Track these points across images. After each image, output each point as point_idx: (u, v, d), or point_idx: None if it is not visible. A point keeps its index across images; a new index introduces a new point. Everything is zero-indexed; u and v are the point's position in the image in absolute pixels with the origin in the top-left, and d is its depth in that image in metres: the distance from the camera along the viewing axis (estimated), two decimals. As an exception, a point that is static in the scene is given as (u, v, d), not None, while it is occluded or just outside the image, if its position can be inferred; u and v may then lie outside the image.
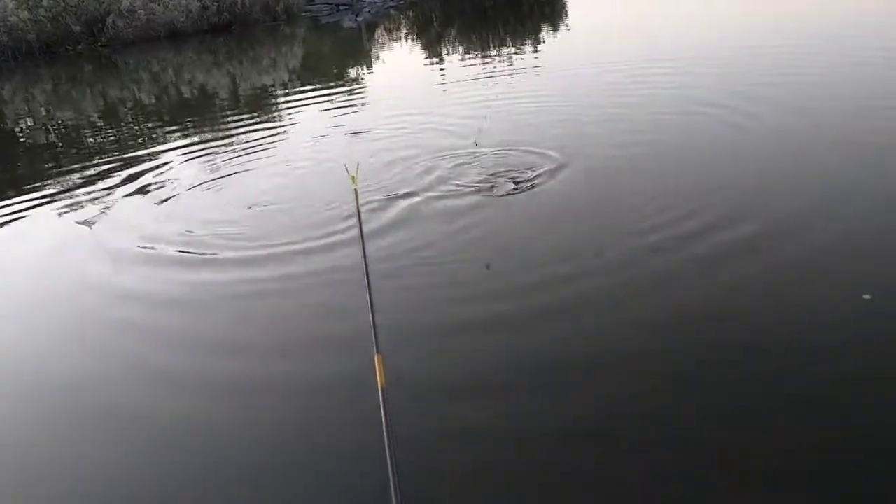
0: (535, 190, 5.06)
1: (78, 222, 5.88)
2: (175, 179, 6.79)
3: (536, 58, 12.31)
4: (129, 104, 13.08)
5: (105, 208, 6.16)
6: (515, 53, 12.83)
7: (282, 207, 5.50)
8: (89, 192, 6.76)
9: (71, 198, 6.69)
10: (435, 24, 21.72)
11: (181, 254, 4.78)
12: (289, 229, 4.94)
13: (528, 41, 14.99)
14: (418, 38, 19.15)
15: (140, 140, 9.43)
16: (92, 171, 7.62)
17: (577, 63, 10.65)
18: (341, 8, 26.64)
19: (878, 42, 8.94)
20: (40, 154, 9.70)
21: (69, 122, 11.83)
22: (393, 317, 3.48)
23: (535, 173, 5.32)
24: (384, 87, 11.68)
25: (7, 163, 9.63)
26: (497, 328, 3.38)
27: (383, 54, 16.28)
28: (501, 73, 10.54)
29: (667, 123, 6.37)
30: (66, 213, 6.24)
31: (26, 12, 20.91)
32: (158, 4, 22.31)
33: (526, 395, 2.87)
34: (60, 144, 10.13)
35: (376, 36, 20.24)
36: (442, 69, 12.38)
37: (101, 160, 8.16)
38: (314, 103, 10.35)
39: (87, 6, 21.85)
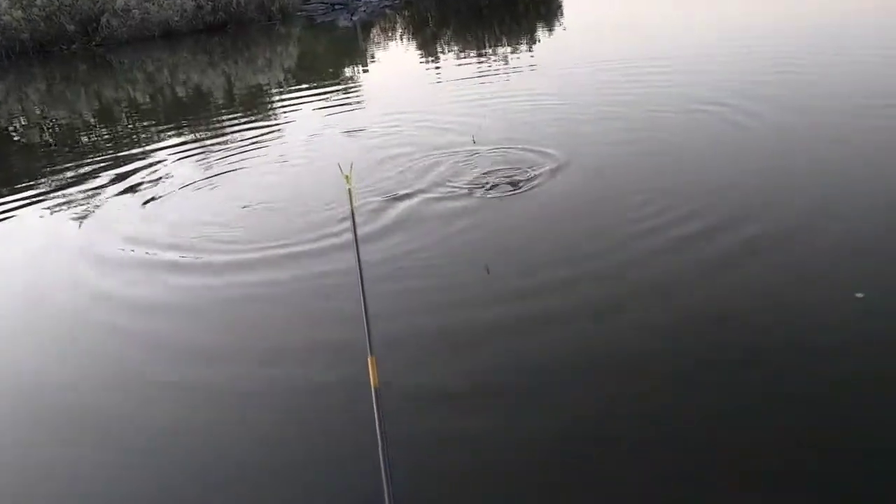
0: (532, 190, 5.04)
1: (68, 222, 5.85)
2: (168, 179, 6.75)
3: (532, 56, 12.30)
4: (124, 104, 13.03)
5: (95, 208, 6.13)
6: (511, 52, 12.82)
7: (275, 208, 5.47)
8: (80, 192, 6.72)
9: (61, 197, 6.64)
10: (430, 23, 21.70)
11: (174, 255, 4.75)
12: (282, 230, 4.91)
13: (524, 40, 14.99)
14: (414, 37, 19.12)
15: (134, 140, 9.38)
16: (84, 171, 7.58)
17: (573, 62, 10.63)
18: (337, 7, 26.59)
19: (877, 41, 8.94)
20: (33, 153, 9.65)
21: (63, 122, 11.78)
22: (388, 318, 3.45)
23: (533, 173, 5.30)
24: (380, 87, 11.66)
25: (0, 162, 9.58)
26: (495, 329, 3.36)
27: (379, 54, 16.26)
28: (497, 72, 10.53)
29: (664, 122, 6.35)
30: (55, 213, 6.21)
31: (20, 11, 20.82)
32: (153, 4, 22.23)
33: (524, 395, 2.85)
34: (54, 144, 10.08)
35: (372, 35, 20.22)
36: (437, 68, 12.37)
37: (94, 160, 8.12)
38: (309, 103, 10.32)
39: (82, 5, 21.76)
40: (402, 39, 19.13)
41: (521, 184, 5.14)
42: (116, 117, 11.78)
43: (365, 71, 13.76)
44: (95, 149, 9.03)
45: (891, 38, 9.29)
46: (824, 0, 13.64)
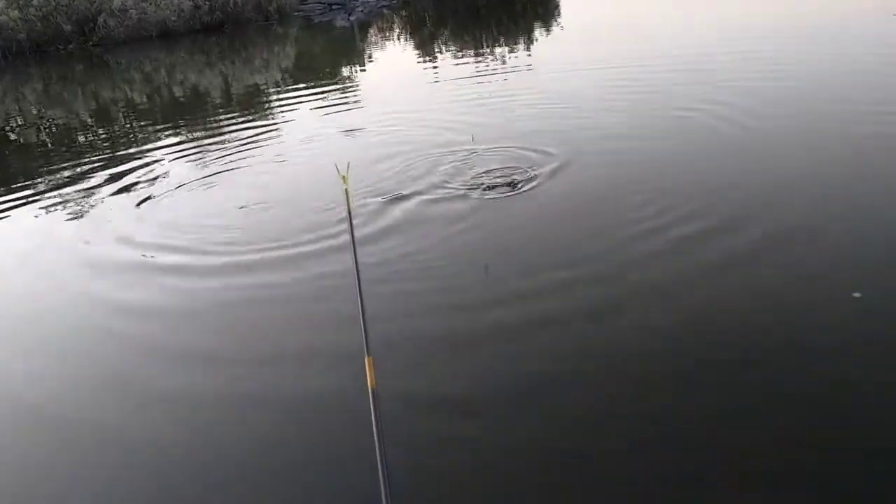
0: (531, 190, 5.03)
1: (63, 222, 5.83)
2: (165, 179, 6.74)
3: (530, 56, 12.31)
4: (121, 104, 13.00)
5: (90, 208, 6.11)
6: (509, 52, 12.82)
7: (272, 208, 5.46)
8: (76, 192, 6.71)
9: (57, 197, 6.62)
10: (428, 23, 21.70)
11: (171, 255, 4.74)
12: (279, 230, 4.90)
13: (522, 40, 14.99)
14: (411, 37, 19.11)
15: (131, 140, 9.35)
16: (80, 171, 7.56)
17: (571, 62, 10.63)
18: (334, 7, 26.57)
19: (877, 42, 8.94)
20: (30, 153, 9.62)
21: (60, 122, 11.75)
22: (386, 319, 3.45)
23: (532, 173, 5.29)
24: (377, 87, 11.65)
25: (-4, 162, 9.56)
26: (494, 329, 3.35)
27: (376, 54, 16.24)
28: (495, 72, 10.52)
29: (663, 122, 6.36)
30: (50, 212, 6.18)
31: (16, 11, 20.77)
32: (150, 4, 22.19)
33: (523, 395, 2.85)
34: (50, 144, 10.05)
35: (369, 35, 20.20)
36: (435, 68, 12.36)
37: (90, 160, 8.10)
38: (307, 102, 10.30)
39: (78, 5, 21.72)
40: (399, 39, 19.12)
41: (519, 184, 5.13)
42: (113, 117, 11.75)
43: (362, 71, 13.75)
44: (92, 149, 9.01)
45: (892, 38, 9.29)
46: (824, 0, 13.65)
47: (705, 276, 3.59)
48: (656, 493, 2.31)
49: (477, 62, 11.81)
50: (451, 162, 5.85)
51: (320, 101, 10.20)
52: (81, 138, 10.15)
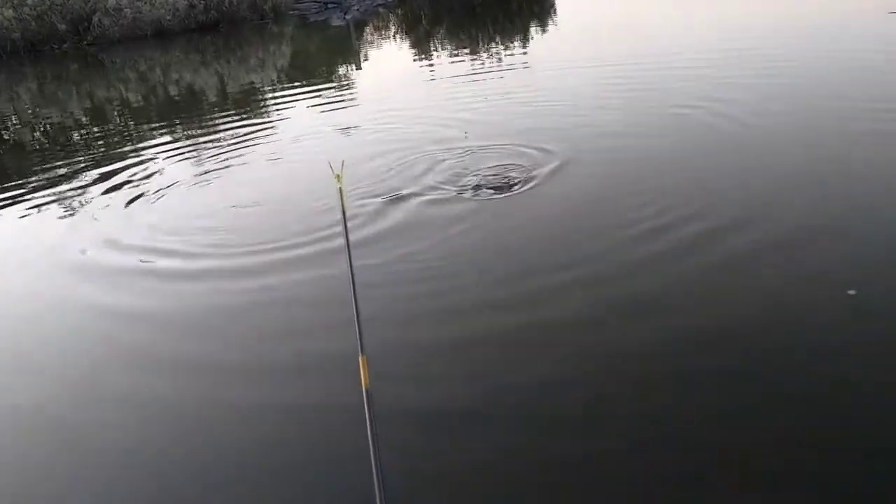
0: (528, 190, 5.01)
1: (55, 221, 5.80)
2: (159, 178, 6.70)
3: (526, 54, 12.30)
4: (116, 103, 12.96)
5: (81, 207, 6.08)
6: (505, 51, 12.81)
7: (266, 207, 5.44)
8: (69, 191, 6.67)
9: (50, 196, 6.58)
10: (424, 21, 21.69)
11: (165, 256, 4.71)
12: (273, 230, 4.88)
13: (518, 38, 14.97)
14: (407, 35, 19.10)
15: (125, 139, 9.32)
16: (74, 170, 7.52)
17: (568, 60, 10.63)
18: (329, 6, 26.53)
19: (878, 42, 8.93)
20: (24, 152, 9.57)
21: (54, 121, 11.70)
22: (382, 320, 3.44)
23: (530, 173, 5.26)
24: (373, 85, 11.63)
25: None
26: (493, 329, 3.34)
27: (372, 52, 16.23)
28: (490, 71, 10.51)
29: (661, 120, 6.34)
30: (42, 212, 6.14)
31: (10, 10, 20.70)
32: (145, 3, 22.13)
33: (523, 395, 2.84)
34: (45, 143, 10.01)
35: (365, 34, 20.18)
36: (431, 67, 12.34)
37: (85, 159, 8.06)
38: (302, 101, 10.28)
39: (73, 4, 21.65)
40: (395, 38, 19.11)
41: (516, 182, 5.11)
42: (108, 117, 11.71)
43: (358, 69, 13.73)
44: (87, 148, 8.97)
45: (890, 36, 9.29)
46: (824, 0, 13.65)
47: (705, 275, 3.57)
48: (656, 493, 2.30)
49: (473, 60, 11.80)
50: (447, 160, 5.82)
51: (316, 99, 10.18)
52: (76, 137, 10.10)
